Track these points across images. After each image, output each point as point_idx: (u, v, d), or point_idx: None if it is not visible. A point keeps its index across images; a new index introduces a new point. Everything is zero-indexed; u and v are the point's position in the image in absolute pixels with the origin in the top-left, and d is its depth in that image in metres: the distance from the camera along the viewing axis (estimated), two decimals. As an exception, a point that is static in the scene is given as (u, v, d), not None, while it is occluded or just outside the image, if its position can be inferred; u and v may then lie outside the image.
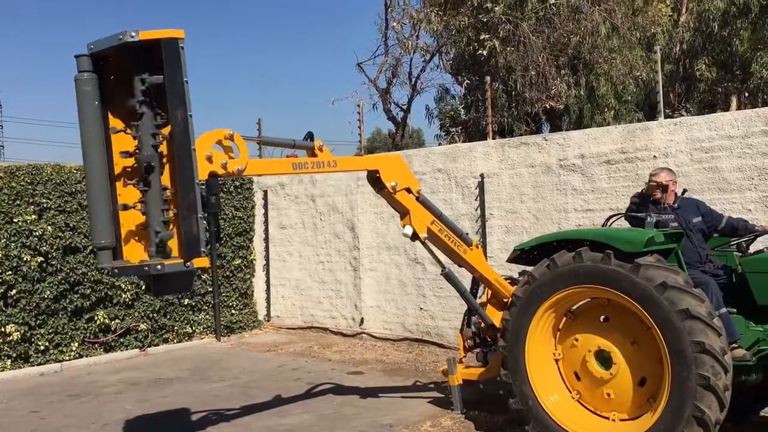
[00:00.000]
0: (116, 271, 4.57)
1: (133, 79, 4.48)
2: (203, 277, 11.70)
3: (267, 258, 12.68)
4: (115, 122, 4.65)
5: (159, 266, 4.35)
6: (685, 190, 6.17)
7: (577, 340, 5.43)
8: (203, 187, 12.39)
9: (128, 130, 4.58)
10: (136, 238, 4.65)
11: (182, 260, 4.41)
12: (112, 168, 4.61)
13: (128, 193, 4.63)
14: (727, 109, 18.38)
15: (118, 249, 4.60)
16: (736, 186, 7.46)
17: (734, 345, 5.02)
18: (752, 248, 5.87)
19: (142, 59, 4.49)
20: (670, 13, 18.28)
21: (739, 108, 17.97)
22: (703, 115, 8.02)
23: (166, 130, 4.54)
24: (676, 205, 5.85)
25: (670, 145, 7.94)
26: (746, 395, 5.65)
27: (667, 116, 9.25)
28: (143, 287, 10.83)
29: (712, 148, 7.63)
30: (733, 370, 4.74)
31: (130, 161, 4.62)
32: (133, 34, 4.31)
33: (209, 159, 4.90)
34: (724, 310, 5.10)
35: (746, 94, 19.73)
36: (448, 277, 6.44)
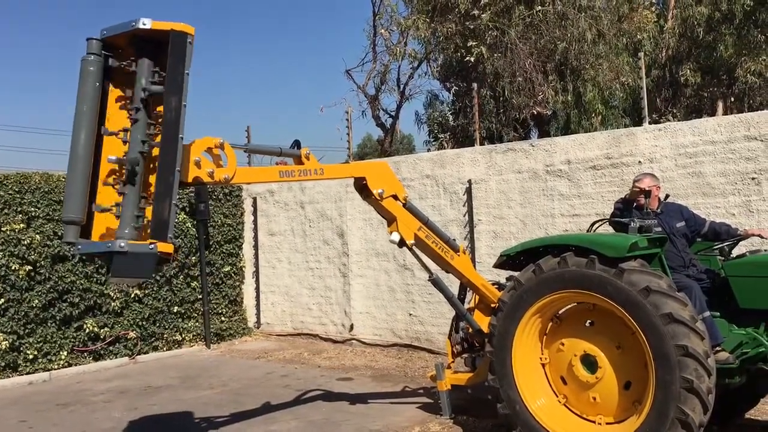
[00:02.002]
0: (79, 247, 4.56)
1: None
2: (193, 284, 11.69)
3: (256, 265, 12.68)
4: (113, 120, 4.73)
5: (122, 244, 4.34)
6: (667, 195, 6.25)
7: (563, 344, 5.47)
8: (192, 194, 12.27)
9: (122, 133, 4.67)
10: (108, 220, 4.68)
11: (147, 242, 4.42)
12: (99, 153, 4.64)
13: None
14: (713, 113, 18.56)
15: (88, 231, 4.61)
16: (719, 191, 7.56)
17: (717, 348, 5.07)
18: (735, 252, 5.94)
19: (151, 51, 4.57)
20: (656, 20, 18.46)
21: (725, 112, 18.15)
22: (687, 121, 8.12)
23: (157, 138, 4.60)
24: (659, 210, 5.93)
25: (655, 150, 8.03)
26: (731, 398, 5.73)
27: (653, 121, 9.34)
28: (131, 294, 10.81)
29: (696, 153, 7.73)
30: (716, 373, 4.80)
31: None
32: (146, 22, 4.39)
33: (197, 164, 4.94)
34: (707, 313, 5.15)
35: (732, 99, 19.92)
36: (436, 283, 6.46)
